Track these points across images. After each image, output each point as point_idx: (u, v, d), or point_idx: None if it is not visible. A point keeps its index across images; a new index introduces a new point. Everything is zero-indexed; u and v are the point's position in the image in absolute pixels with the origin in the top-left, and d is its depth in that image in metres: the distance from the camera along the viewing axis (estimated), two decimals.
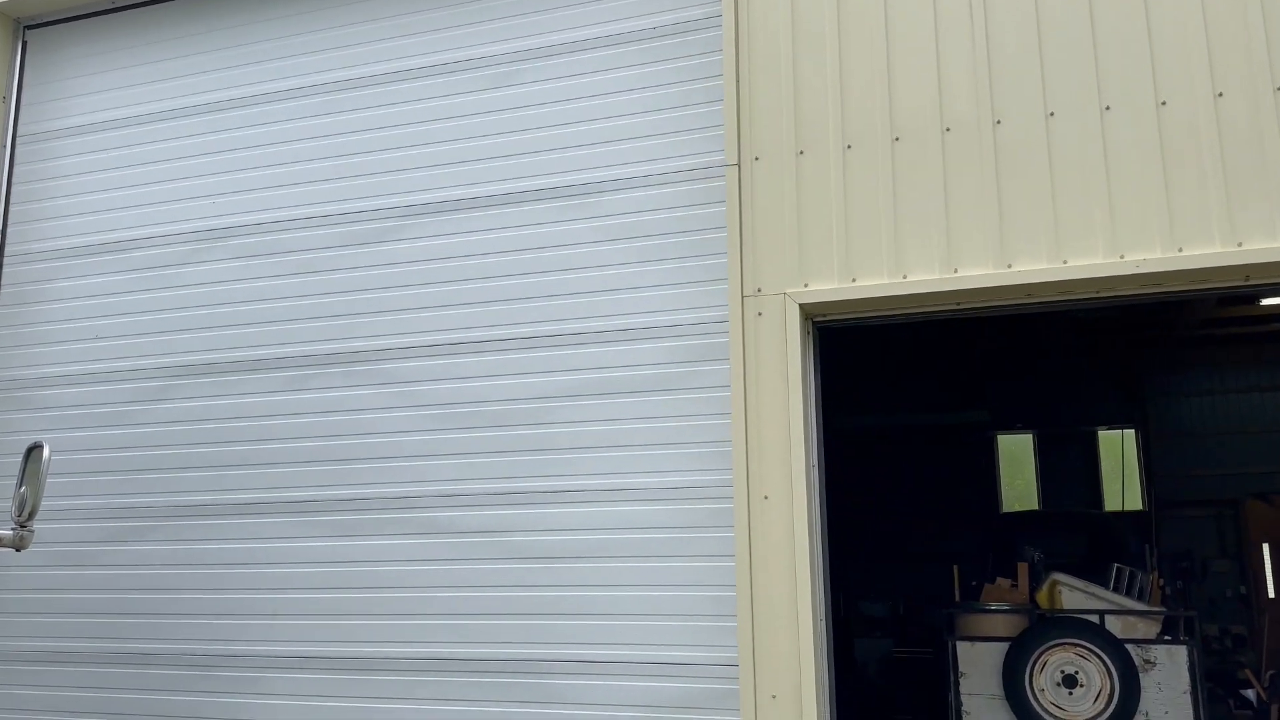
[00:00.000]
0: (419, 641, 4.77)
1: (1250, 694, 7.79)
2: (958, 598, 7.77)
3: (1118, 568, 7.44)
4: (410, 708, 4.75)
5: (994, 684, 6.98)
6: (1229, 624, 16.03)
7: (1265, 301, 13.53)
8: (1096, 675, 6.70)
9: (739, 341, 4.39)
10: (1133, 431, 17.27)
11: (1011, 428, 17.19)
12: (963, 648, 7.15)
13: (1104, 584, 7.38)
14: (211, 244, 5.42)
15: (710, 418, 4.52)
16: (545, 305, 4.89)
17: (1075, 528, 11.00)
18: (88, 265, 5.68)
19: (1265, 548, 16.44)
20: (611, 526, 4.59)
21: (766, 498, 4.25)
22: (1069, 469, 17.61)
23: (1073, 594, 7.09)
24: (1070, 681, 6.75)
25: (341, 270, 5.16)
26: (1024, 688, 6.80)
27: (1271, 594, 16.26)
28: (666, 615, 4.43)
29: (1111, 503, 16.72)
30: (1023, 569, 7.47)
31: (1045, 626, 6.89)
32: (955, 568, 7.82)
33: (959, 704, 7.08)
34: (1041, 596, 7.26)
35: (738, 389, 4.35)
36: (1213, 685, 8.03)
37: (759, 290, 4.41)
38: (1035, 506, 17.08)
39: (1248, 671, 7.84)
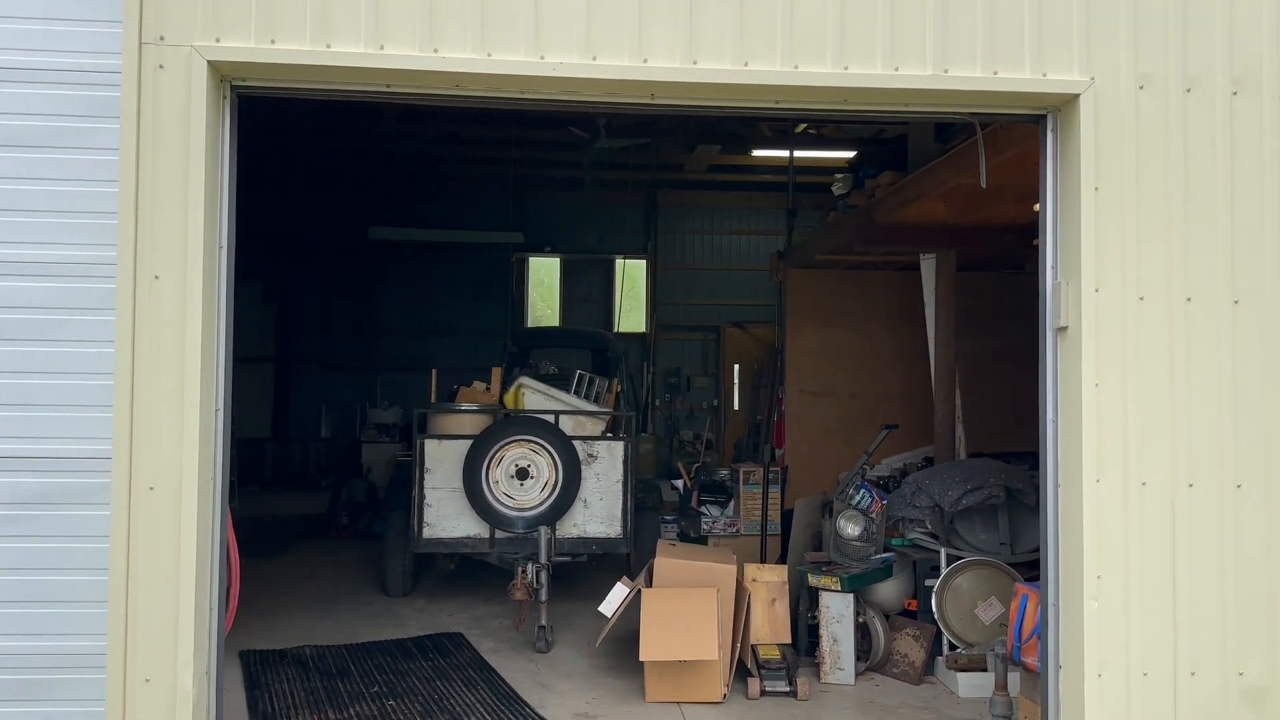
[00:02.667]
0: None
1: (679, 484, 9.02)
2: (434, 399, 7.91)
3: (579, 374, 8.02)
4: None
5: (456, 477, 7.27)
6: (702, 430, 18.66)
7: (756, 153, 15.16)
8: (545, 468, 7.25)
9: (133, 96, 3.73)
10: (644, 262, 18.87)
11: (540, 250, 17.91)
12: (431, 445, 7.33)
13: (566, 388, 7.93)
14: None
15: (103, 184, 3.85)
16: None
17: (586, 344, 11.68)
18: None
19: (736, 368, 19.20)
20: None
21: (157, 278, 3.76)
22: (588, 291, 18.90)
23: (534, 396, 7.53)
24: (523, 474, 7.23)
25: None
26: (480, 480, 7.16)
27: (736, 406, 19.16)
28: (40, 405, 3.84)
29: (621, 324, 18.27)
30: (496, 373, 7.76)
31: (505, 425, 7.27)
32: (434, 371, 7.92)
33: (422, 497, 7.31)
34: (509, 398, 7.63)
35: (129, 151, 3.73)
36: (651, 478, 9.18)
37: (161, 38, 3.75)
38: (557, 323, 18.18)
39: (680, 464, 9.06)
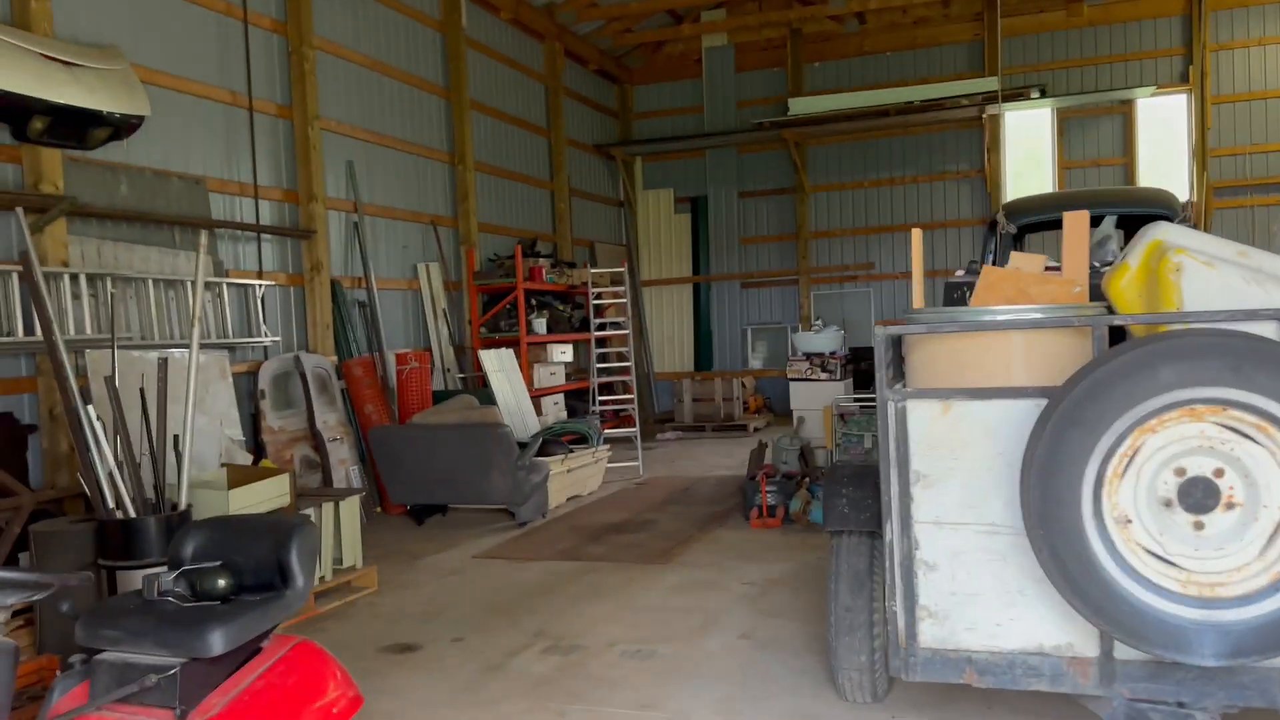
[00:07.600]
0: None
1: None
2: (916, 302, 3.30)
3: None
4: None
5: (998, 501, 2.70)
6: None
7: None
8: (1272, 477, 2.38)
9: None
10: (1183, 96, 12.28)
11: (1023, 97, 12.21)
12: (919, 415, 2.80)
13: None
14: None
15: None
16: None
17: (1138, 212, 6.15)
18: None
19: None
20: None
21: None
22: (1095, 151, 12.81)
23: (1207, 275, 2.62)
24: (1201, 496, 2.43)
25: None
26: (1078, 512, 2.50)
27: None
28: None
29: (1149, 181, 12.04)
30: (1071, 222, 2.94)
31: (1149, 358, 2.47)
32: (915, 231, 3.29)
33: (911, 548, 2.83)
34: (1129, 287, 2.80)
35: None
36: None
37: None
38: (1049, 188, 12.48)
39: None
